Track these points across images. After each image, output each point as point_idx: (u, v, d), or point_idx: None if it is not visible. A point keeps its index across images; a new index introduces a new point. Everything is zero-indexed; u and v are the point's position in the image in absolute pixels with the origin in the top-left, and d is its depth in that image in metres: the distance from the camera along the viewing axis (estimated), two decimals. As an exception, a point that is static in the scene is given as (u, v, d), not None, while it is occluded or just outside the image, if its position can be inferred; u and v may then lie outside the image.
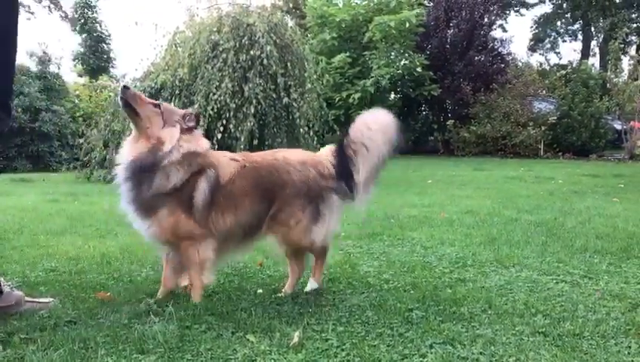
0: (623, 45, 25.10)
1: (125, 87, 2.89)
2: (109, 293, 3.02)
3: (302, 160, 3.02)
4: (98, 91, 19.93)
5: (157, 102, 2.97)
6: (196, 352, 2.26)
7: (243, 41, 10.18)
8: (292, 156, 3.04)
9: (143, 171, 2.76)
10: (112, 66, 28.79)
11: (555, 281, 3.37)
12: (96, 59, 27.57)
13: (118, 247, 4.29)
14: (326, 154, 3.12)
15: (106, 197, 7.93)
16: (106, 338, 2.39)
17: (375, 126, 3.02)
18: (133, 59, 59.18)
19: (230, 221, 2.86)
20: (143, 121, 2.83)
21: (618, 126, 19.31)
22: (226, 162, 2.92)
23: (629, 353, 2.30)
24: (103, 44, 28.28)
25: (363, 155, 3.00)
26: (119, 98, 2.86)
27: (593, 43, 33.47)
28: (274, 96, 10.21)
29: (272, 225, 2.93)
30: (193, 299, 2.87)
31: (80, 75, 26.87)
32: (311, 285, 3.11)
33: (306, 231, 2.93)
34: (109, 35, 28.60)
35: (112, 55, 28.72)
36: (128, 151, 2.85)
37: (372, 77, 18.37)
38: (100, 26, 28.29)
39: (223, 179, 2.84)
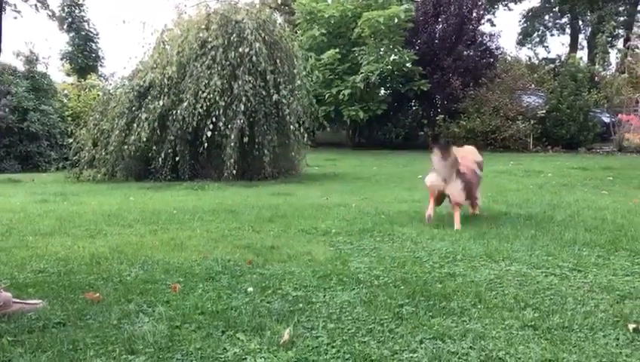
0: (610, 39, 25.29)
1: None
2: (98, 294, 2.99)
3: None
4: (87, 90, 19.78)
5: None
6: (186, 352, 2.26)
7: (232, 38, 10.13)
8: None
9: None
10: (101, 65, 28.57)
11: (544, 274, 3.39)
12: (84, 58, 27.34)
13: (108, 247, 4.26)
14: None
15: (95, 197, 7.90)
16: (95, 339, 2.38)
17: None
18: (122, 57, 58.73)
19: None
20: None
21: (606, 119, 19.43)
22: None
23: (617, 345, 2.31)
24: (91, 43, 28.04)
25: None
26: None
27: (581, 37, 33.66)
28: (263, 93, 10.16)
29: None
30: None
31: (68, 74, 26.67)
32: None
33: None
34: (97, 34, 28.39)
35: (100, 54, 28.51)
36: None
37: (362, 73, 18.36)
38: (88, 25, 28.07)
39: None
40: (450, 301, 2.87)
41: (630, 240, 4.29)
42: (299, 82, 11.01)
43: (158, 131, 10.12)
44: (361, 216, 5.62)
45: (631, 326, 2.47)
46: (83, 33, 27.66)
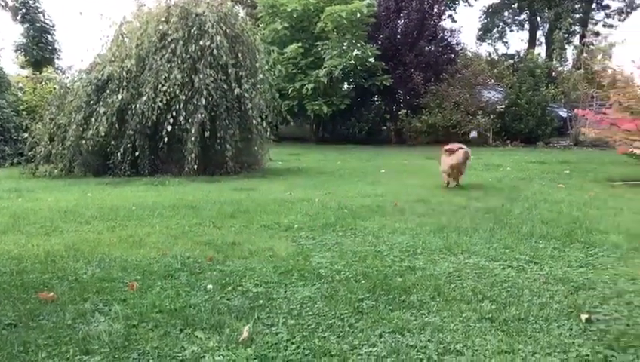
0: (567, 35, 25.88)
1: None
2: (52, 293, 2.92)
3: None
4: (43, 83, 19.23)
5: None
6: (142, 351, 2.21)
7: (192, 31, 9.96)
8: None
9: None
10: (57, 58, 27.75)
11: (502, 267, 3.45)
12: (39, 50, 26.50)
13: (64, 245, 4.16)
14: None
15: (52, 193, 7.69)
16: (48, 340, 2.32)
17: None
18: (79, 50, 57.16)
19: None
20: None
21: (563, 113, 19.90)
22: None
23: (570, 335, 2.37)
24: (47, 35, 27.20)
25: None
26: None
27: (539, 33, 34.32)
28: (225, 87, 10.03)
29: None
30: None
31: (23, 67, 25.85)
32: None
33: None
34: (53, 26, 27.54)
35: (56, 46, 27.70)
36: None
37: (325, 67, 18.34)
38: (43, 16, 27.19)
39: None
40: (410, 294, 2.90)
41: (585, 233, 4.41)
42: (261, 76, 10.91)
43: (116, 125, 9.90)
44: (324, 211, 5.62)
45: (583, 317, 2.54)
46: (38, 24, 26.81)
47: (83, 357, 2.17)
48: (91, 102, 10.06)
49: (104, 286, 3.05)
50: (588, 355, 2.18)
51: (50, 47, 27.20)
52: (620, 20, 31.89)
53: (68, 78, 12.87)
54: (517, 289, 2.99)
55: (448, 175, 7.70)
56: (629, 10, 31.70)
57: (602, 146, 15.15)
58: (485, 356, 2.18)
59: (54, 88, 12.49)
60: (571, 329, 2.43)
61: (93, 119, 9.85)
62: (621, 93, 8.65)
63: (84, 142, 9.91)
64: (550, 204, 5.97)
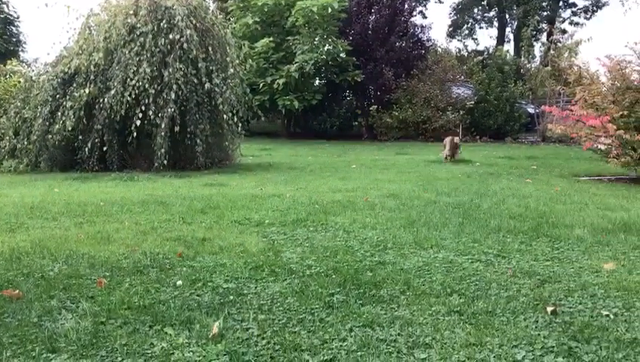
0: (534, 32, 26.29)
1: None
2: (17, 291, 2.86)
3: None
4: (7, 76, 18.76)
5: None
6: (111, 348, 2.19)
7: (161, 24, 9.82)
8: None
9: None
10: (23, 50, 27.24)
11: (470, 261, 3.50)
12: (4, 42, 25.91)
13: (30, 241, 4.07)
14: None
15: (17, 189, 7.53)
16: (13, 338, 2.27)
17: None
18: (46, 42, 55.92)
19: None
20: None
21: (531, 110, 20.23)
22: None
23: (536, 327, 2.42)
24: (12, 27, 26.64)
25: None
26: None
27: (508, 30, 34.82)
28: (195, 81, 9.93)
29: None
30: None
31: (-14, 60, 25.25)
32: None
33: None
34: (18, 17, 27.00)
35: (21, 38, 27.16)
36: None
37: (296, 62, 18.30)
38: (8, 7, 26.63)
39: None
40: (380, 289, 2.92)
41: (551, 227, 4.50)
42: (232, 70, 10.83)
43: (84, 120, 9.72)
44: (295, 206, 5.61)
45: (549, 309, 2.60)
46: (2, 16, 26.20)
47: (49, 356, 2.14)
48: (58, 95, 9.86)
49: (71, 283, 3.00)
50: (553, 346, 2.23)
51: (14, 39, 26.64)
52: (586, 18, 32.61)
53: (33, 70, 12.59)
54: (485, 283, 3.04)
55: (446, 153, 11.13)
56: (594, 8, 32.41)
57: (568, 142, 15.46)
58: (454, 349, 2.21)
59: (19, 81, 12.18)
60: (537, 322, 2.48)
61: (59, 113, 9.67)
62: (586, 90, 8.82)
63: (50, 136, 9.72)
64: (518, 199, 6.07)
